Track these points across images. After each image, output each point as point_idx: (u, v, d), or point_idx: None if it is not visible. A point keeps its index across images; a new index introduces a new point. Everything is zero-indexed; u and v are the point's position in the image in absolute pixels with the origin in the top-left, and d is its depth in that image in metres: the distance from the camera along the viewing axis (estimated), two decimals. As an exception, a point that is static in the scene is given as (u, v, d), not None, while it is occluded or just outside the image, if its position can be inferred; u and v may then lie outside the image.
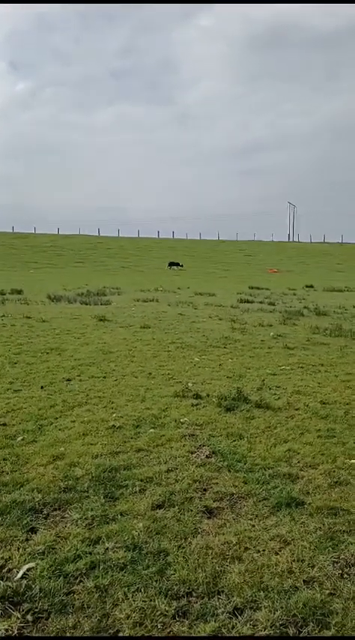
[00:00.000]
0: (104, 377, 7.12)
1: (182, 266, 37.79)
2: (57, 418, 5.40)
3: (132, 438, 4.85)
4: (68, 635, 2.42)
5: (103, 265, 42.31)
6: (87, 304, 15.64)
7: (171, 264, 38.03)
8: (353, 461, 4.44)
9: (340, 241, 73.90)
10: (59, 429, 5.06)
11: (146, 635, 2.43)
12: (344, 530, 3.32)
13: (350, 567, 2.95)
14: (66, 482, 3.90)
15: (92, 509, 3.51)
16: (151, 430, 5.06)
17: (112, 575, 2.83)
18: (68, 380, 6.91)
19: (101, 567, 2.89)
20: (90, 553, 3.03)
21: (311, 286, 26.32)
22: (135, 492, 3.78)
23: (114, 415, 5.47)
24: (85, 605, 2.61)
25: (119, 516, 3.45)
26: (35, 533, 3.26)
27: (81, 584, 2.78)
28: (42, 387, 6.51)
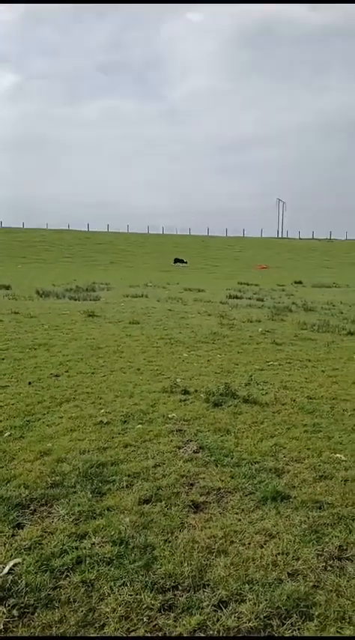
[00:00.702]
0: (92, 373, 7.12)
1: (186, 263, 37.58)
2: (44, 414, 5.39)
3: (119, 434, 4.87)
4: (54, 630, 2.44)
5: (93, 261, 42.16)
6: (76, 300, 15.60)
7: (177, 260, 37.79)
8: (338, 455, 4.49)
9: (328, 237, 74.25)
10: (47, 425, 5.06)
11: (132, 628, 2.45)
12: (328, 524, 3.37)
13: (333, 560, 2.99)
14: (53, 478, 3.91)
15: (79, 505, 3.52)
16: (139, 426, 5.07)
17: (98, 570, 2.84)
18: (56, 376, 6.90)
19: (87, 562, 2.91)
20: (76, 548, 3.04)
21: (300, 282, 26.46)
22: (123, 487, 3.80)
23: (102, 411, 5.48)
24: (71, 600, 2.62)
25: (106, 511, 3.46)
26: (22, 528, 3.27)
27: (67, 578, 2.79)
28: (29, 383, 6.50)
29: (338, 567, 2.93)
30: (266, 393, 6.36)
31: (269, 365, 7.91)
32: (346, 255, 53.46)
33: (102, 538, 3.15)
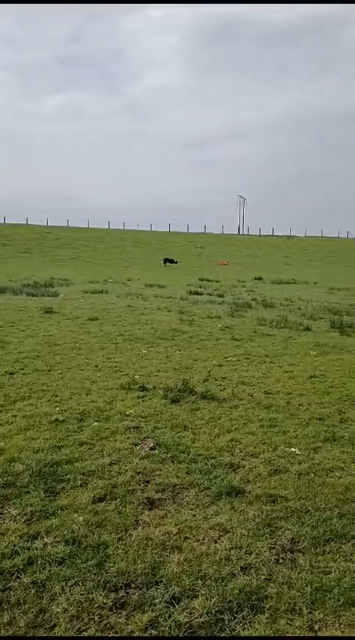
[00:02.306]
0: (49, 370, 7.01)
1: (177, 262, 37.01)
2: (-2, 413, 5.27)
3: (75, 432, 4.81)
4: (2, 632, 2.38)
5: (52, 256, 41.47)
6: (33, 296, 15.30)
7: (166, 260, 37.11)
8: (293, 449, 4.56)
9: (288, 234, 75.43)
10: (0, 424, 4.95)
11: (83, 628, 2.42)
12: (281, 517, 3.42)
13: (285, 552, 3.04)
14: (5, 478, 3.82)
15: (32, 505, 3.45)
16: (95, 423, 5.02)
17: (50, 570, 2.80)
18: (11, 374, 6.74)
19: (39, 562, 2.86)
20: (28, 549, 2.98)
21: (260, 278, 26.76)
22: (77, 486, 3.75)
23: (57, 409, 5.40)
24: (21, 601, 2.57)
25: (59, 511, 3.41)
26: (-29, 530, 3.18)
27: (17, 580, 2.73)
28: (-17, 381, 6.34)
29: (289, 560, 2.97)
30: (224, 388, 6.41)
31: (227, 361, 7.97)
32: (304, 252, 54.45)
33: (54, 538, 3.10)
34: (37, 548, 2.98)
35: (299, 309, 14.54)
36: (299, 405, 5.85)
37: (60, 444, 4.49)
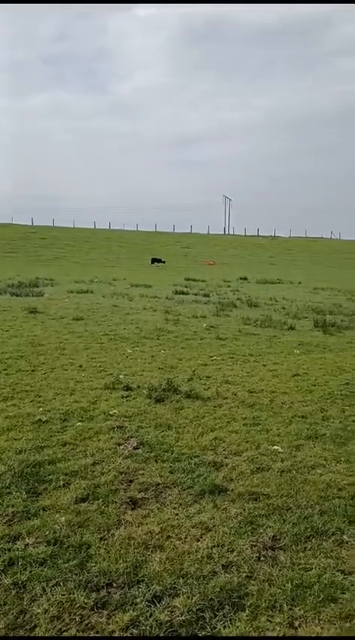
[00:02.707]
0: (32, 370, 6.96)
1: (164, 262, 36.79)
2: (-20, 413, 5.22)
3: (58, 432, 4.78)
4: None
5: (37, 256, 41.20)
6: (18, 295, 15.19)
7: (154, 260, 36.81)
8: (275, 447, 4.59)
9: (273, 235, 75.81)
10: (-18, 425, 4.91)
11: (64, 628, 2.41)
12: (263, 515, 3.44)
13: (267, 550, 3.06)
14: (-13, 479, 3.79)
15: (13, 506, 3.43)
16: (79, 423, 5.00)
17: (31, 571, 2.78)
18: (-6, 374, 6.69)
19: (20, 563, 2.84)
20: (9, 550, 2.96)
21: (245, 278, 26.84)
22: (59, 487, 3.74)
23: (41, 409, 5.37)
24: (1, 602, 2.56)
25: (41, 511, 3.39)
26: None
27: (-2, 582, 2.71)
28: (-34, 382, 6.28)
29: (271, 557, 2.99)
30: (209, 387, 6.42)
31: (212, 360, 8.00)
32: (289, 252, 54.78)
33: (36, 539, 3.09)
34: (18, 549, 2.97)
35: (284, 308, 14.64)
36: (282, 403, 5.89)
37: (43, 445, 4.46)
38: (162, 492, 3.74)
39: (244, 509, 3.49)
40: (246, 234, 78.03)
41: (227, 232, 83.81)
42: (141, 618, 2.46)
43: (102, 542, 3.07)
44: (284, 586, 2.72)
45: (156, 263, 36.61)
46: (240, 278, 26.79)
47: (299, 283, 24.56)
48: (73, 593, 2.62)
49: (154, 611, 2.51)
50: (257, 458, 4.35)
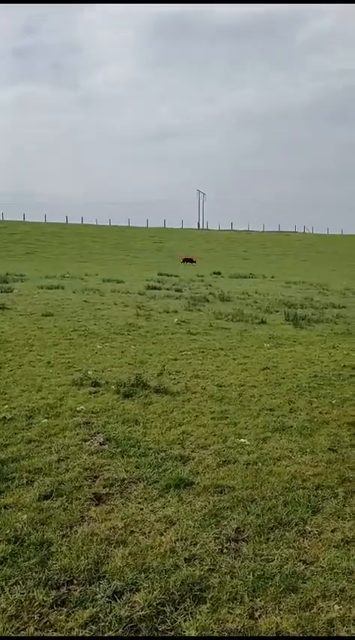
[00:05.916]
0: (-1, 367, 6.84)
1: (195, 262, 36.06)
2: None
3: (23, 429, 4.71)
4: None
5: (7, 251, 40.53)
6: (-14, 292, 14.90)
7: (185, 259, 35.97)
8: (242, 440, 4.61)
9: (246, 229, 76.25)
10: None
11: (22, 627, 2.37)
12: (227, 507, 3.45)
13: (230, 542, 3.06)
14: None
15: (-26, 505, 3.36)
16: (44, 420, 4.94)
17: (-10, 571, 2.73)
18: None
19: (-21, 564, 2.79)
20: (-33, 550, 2.90)
21: (219, 273, 26.92)
22: (22, 484, 3.68)
23: (6, 406, 5.28)
24: None
25: (2, 510, 3.34)
26: None
27: None
28: None
29: (233, 549, 3.00)
30: (178, 382, 6.42)
31: (182, 355, 7.99)
32: (262, 246, 55.15)
33: (-4, 538, 3.03)
34: (-23, 549, 2.91)
35: (256, 302, 14.71)
36: (250, 396, 5.92)
37: (6, 443, 4.39)
38: (127, 487, 3.72)
39: (209, 502, 3.50)
40: (220, 228, 78.26)
41: (201, 227, 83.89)
42: (100, 614, 2.44)
43: (64, 540, 3.04)
44: (246, 577, 2.73)
45: (187, 262, 35.60)
46: (214, 273, 26.83)
47: (272, 277, 24.74)
48: (33, 592, 2.58)
49: (114, 607, 2.49)
50: (223, 451, 4.36)
